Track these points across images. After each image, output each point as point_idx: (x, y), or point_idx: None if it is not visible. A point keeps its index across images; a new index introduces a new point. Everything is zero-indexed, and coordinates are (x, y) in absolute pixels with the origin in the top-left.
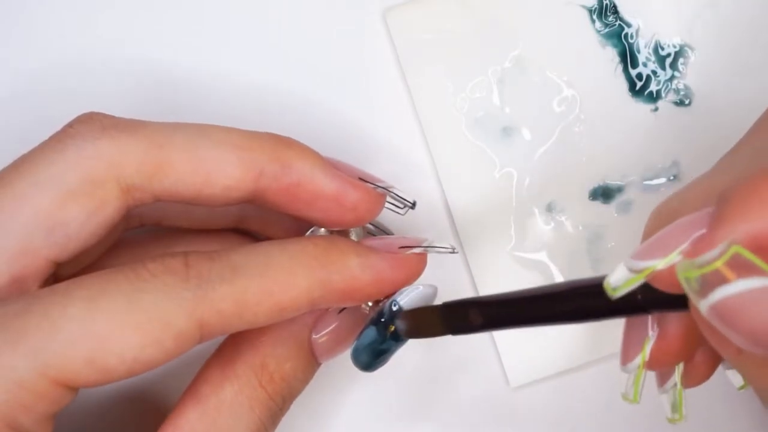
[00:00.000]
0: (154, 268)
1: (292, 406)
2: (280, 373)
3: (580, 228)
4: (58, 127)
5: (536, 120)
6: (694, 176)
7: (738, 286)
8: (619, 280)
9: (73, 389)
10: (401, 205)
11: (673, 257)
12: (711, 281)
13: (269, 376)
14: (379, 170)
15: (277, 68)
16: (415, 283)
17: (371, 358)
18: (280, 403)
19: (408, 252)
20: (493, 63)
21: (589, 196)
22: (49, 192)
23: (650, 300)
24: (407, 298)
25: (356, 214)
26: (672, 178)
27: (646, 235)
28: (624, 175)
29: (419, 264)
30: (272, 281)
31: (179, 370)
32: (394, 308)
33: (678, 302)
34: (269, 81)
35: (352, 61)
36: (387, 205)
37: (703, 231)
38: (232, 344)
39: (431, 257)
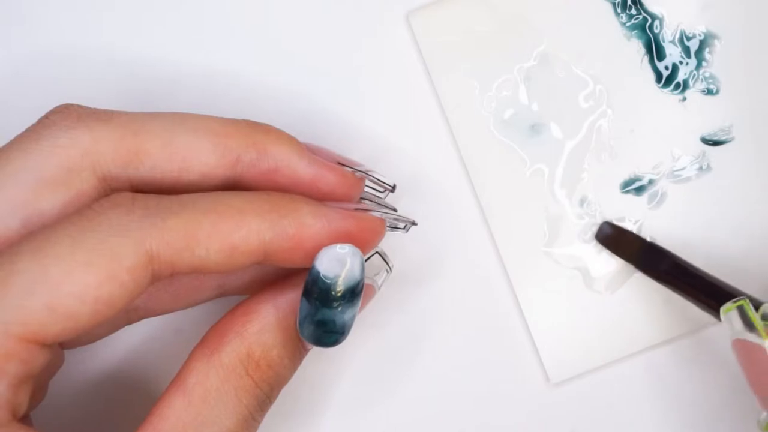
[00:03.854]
0: (98, 205)
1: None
2: (267, 360)
3: (614, 222)
4: None
5: (564, 116)
6: (726, 165)
7: None
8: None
9: (45, 345)
10: (381, 189)
11: None
12: None
13: (255, 364)
14: (408, 173)
15: (301, 75)
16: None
17: (316, 330)
18: (267, 391)
19: (366, 214)
20: (519, 61)
21: (621, 189)
22: (25, 181)
23: None
24: (321, 259)
25: (334, 198)
26: (703, 167)
27: None
28: (655, 167)
29: (375, 222)
30: (222, 217)
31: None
32: (314, 273)
33: None
34: (293, 87)
35: (377, 65)
36: (367, 189)
37: None
38: (218, 332)
39: (472, 259)
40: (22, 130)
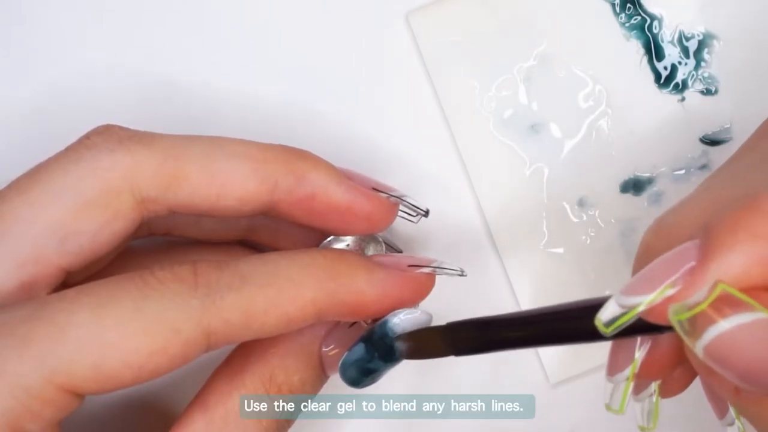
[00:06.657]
0: (162, 275)
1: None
2: (289, 385)
3: (613, 221)
4: (68, 140)
5: (564, 116)
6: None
7: (724, 325)
8: (611, 316)
9: (80, 396)
10: (414, 213)
11: (664, 291)
12: (701, 323)
13: (277, 388)
14: (408, 173)
15: (301, 75)
16: (416, 306)
17: (359, 374)
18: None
19: (417, 271)
20: (519, 61)
21: (620, 189)
22: (64, 202)
23: (644, 325)
24: (401, 321)
25: (370, 224)
26: (702, 167)
27: (643, 249)
28: (654, 167)
29: (427, 283)
30: (280, 292)
31: (188, 378)
32: (386, 329)
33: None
34: (292, 87)
35: (377, 66)
36: (400, 213)
37: (693, 264)
38: (241, 354)
39: (467, 265)
40: (39, 150)
